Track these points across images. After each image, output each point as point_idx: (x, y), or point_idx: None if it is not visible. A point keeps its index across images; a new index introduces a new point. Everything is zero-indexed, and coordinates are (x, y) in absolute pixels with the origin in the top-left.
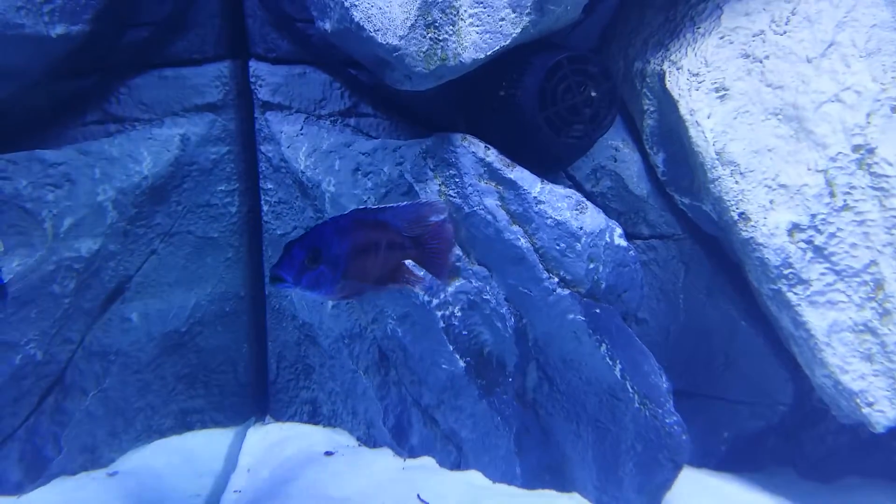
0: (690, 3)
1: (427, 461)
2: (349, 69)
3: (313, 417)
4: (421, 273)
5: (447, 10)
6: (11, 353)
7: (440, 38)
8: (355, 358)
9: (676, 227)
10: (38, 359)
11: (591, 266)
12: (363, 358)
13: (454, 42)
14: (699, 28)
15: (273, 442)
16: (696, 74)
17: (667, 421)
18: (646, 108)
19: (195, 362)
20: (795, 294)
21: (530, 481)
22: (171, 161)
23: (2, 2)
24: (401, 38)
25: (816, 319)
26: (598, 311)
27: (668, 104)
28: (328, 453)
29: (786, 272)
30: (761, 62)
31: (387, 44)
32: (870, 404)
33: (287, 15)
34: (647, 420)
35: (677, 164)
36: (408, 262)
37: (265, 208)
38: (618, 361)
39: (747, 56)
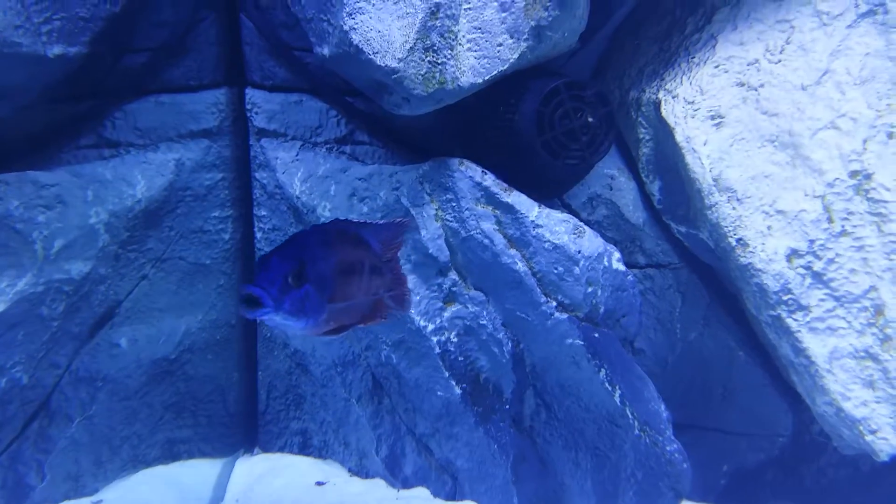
0: (685, 33)
1: (421, 492)
2: (346, 97)
3: (304, 449)
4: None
5: (446, 35)
6: None
7: (439, 61)
8: (348, 386)
9: (673, 256)
10: (23, 383)
11: (590, 290)
12: (356, 386)
13: (452, 66)
14: (694, 58)
15: (262, 472)
16: (692, 102)
17: (667, 448)
18: (641, 136)
19: (184, 391)
20: (795, 320)
21: None
22: (165, 186)
23: (0, 20)
24: (399, 60)
25: (817, 346)
26: (596, 335)
27: (663, 132)
28: (319, 484)
29: (785, 298)
30: (756, 90)
31: (385, 66)
32: (873, 432)
33: (284, 43)
34: (648, 447)
35: (673, 192)
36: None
37: (259, 235)
38: (617, 387)
39: (742, 84)
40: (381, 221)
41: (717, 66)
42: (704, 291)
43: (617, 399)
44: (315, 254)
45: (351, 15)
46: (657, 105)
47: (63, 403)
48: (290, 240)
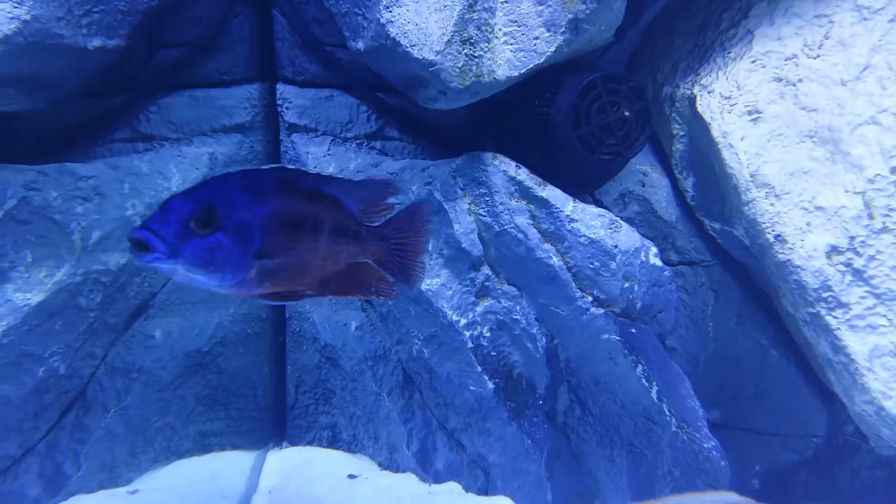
0: (720, 28)
1: (453, 486)
2: (377, 93)
3: (333, 443)
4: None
5: (483, 28)
6: (35, 366)
7: (475, 54)
8: (379, 380)
9: (706, 253)
10: (60, 372)
11: (627, 285)
12: (387, 380)
13: (489, 59)
14: (730, 53)
15: (294, 465)
16: (728, 98)
17: (705, 446)
18: (675, 132)
19: (216, 384)
20: (835, 318)
21: None
22: (200, 179)
23: (44, 12)
24: (437, 53)
25: (857, 344)
26: (633, 331)
27: (698, 128)
28: (351, 476)
29: (825, 295)
30: (795, 85)
31: (423, 59)
32: None
33: (316, 39)
34: (685, 444)
35: (707, 188)
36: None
37: None
38: (654, 383)
39: (780, 79)
40: (360, 178)
41: (754, 61)
42: (737, 289)
43: (654, 395)
44: (234, 199)
45: (388, 8)
46: (692, 100)
47: (99, 394)
48: (205, 181)
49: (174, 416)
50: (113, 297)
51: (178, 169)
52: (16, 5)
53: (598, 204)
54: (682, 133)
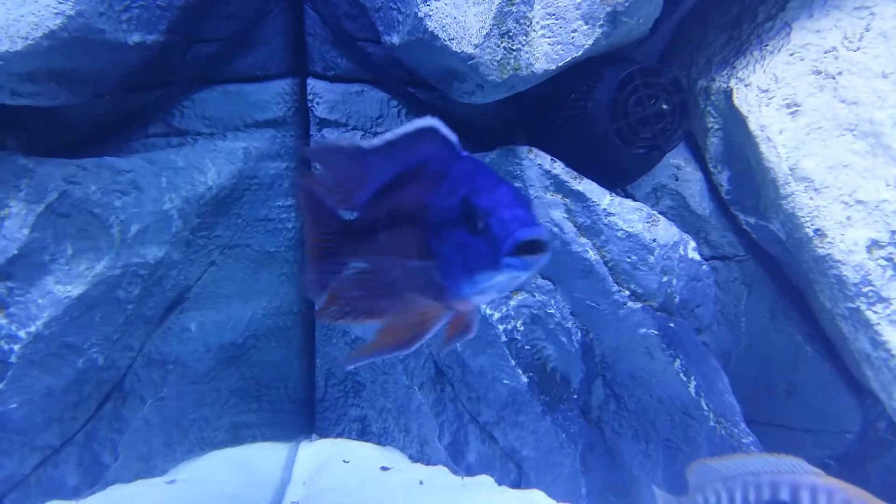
0: (756, 21)
1: (485, 479)
2: (407, 87)
3: (363, 435)
4: None
5: (521, 21)
6: (75, 357)
7: (513, 47)
8: (410, 374)
9: (739, 247)
10: (99, 364)
11: (665, 279)
12: (419, 374)
13: (527, 52)
14: (767, 46)
15: (326, 457)
16: (766, 91)
17: (743, 441)
18: (710, 126)
19: (248, 376)
20: (875, 313)
21: (596, 502)
22: (235, 173)
23: (86, 7)
24: (475, 46)
25: None
26: (671, 325)
27: (734, 121)
28: (384, 469)
29: (865, 290)
30: (834, 78)
31: (461, 52)
32: None
33: (347, 34)
34: (723, 440)
35: (743, 182)
36: None
37: None
38: (692, 378)
39: (819, 72)
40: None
41: (792, 54)
42: (771, 284)
43: (692, 390)
44: None
45: (426, 2)
46: (729, 94)
47: (136, 385)
48: (483, 175)
49: (208, 408)
50: (150, 290)
51: (213, 163)
52: (61, 1)
53: (630, 198)
54: (716, 127)
